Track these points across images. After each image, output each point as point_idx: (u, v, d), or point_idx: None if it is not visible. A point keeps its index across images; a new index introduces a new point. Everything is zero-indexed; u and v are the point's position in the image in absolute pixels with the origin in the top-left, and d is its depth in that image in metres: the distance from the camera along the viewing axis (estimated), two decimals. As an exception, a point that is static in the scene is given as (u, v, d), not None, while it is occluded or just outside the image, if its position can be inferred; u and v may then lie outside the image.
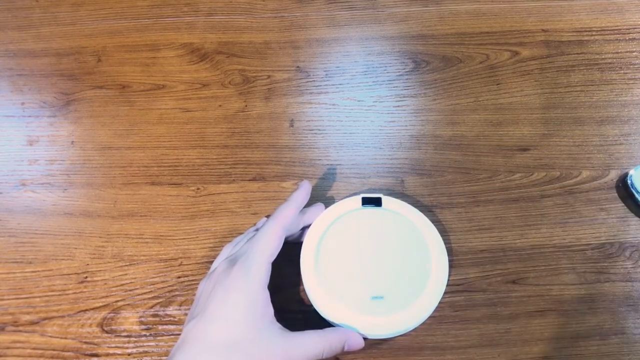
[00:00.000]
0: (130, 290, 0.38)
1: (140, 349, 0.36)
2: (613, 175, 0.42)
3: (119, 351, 0.36)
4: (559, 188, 0.42)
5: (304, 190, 0.36)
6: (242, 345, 0.28)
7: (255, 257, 0.31)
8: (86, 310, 0.38)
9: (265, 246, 0.31)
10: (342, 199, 0.39)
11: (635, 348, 0.36)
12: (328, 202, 0.40)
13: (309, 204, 0.38)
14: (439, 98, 0.46)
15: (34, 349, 0.36)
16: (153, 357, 0.36)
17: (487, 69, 0.48)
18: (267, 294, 0.31)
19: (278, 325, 0.30)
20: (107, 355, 0.36)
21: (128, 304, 0.38)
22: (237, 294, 0.29)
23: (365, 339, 0.33)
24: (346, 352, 0.32)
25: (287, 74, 0.48)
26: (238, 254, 0.32)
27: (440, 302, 0.33)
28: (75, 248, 0.40)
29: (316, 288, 0.34)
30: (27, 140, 0.45)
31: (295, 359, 0.29)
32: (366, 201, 0.38)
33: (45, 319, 0.37)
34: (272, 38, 0.50)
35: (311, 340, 0.30)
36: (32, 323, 0.37)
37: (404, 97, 0.47)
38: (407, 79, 0.48)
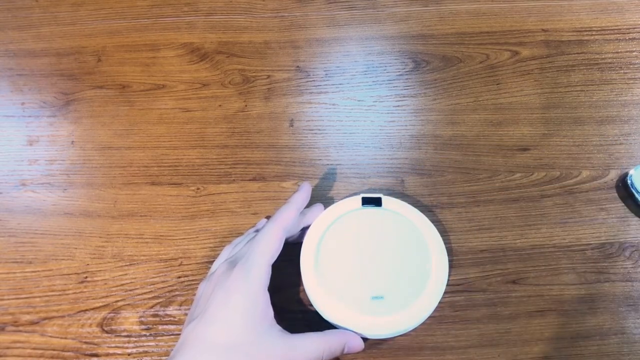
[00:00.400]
0: (130, 290, 0.38)
1: (140, 349, 0.36)
2: (613, 175, 0.42)
3: (119, 351, 0.36)
4: (559, 188, 0.42)
5: (304, 192, 0.36)
6: (242, 347, 0.28)
7: (256, 259, 0.31)
8: (86, 310, 0.38)
9: (265, 248, 0.31)
10: (342, 199, 0.38)
11: (635, 348, 0.36)
12: (328, 202, 0.40)
13: (308, 204, 0.38)
14: (439, 98, 0.46)
15: (34, 349, 0.36)
16: (153, 357, 0.36)
17: (487, 69, 0.48)
18: (267, 295, 0.31)
19: (278, 327, 0.30)
20: (107, 355, 0.36)
21: (128, 304, 0.38)
22: (237, 296, 0.29)
23: (365, 339, 0.33)
24: (346, 354, 0.32)
25: (287, 74, 0.48)
26: (238, 256, 0.32)
27: (440, 302, 0.33)
28: (75, 248, 0.40)
29: (316, 288, 0.34)
30: (27, 140, 0.45)
31: None
32: (366, 201, 0.38)
33: (45, 319, 0.37)
34: (272, 38, 0.50)
35: (311, 343, 0.30)
36: (32, 323, 0.37)
37: (404, 97, 0.47)
38: (407, 78, 0.48)
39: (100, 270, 0.39)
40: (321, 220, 0.37)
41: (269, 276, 0.31)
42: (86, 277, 0.39)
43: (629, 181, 0.40)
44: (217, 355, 0.27)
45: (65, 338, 0.37)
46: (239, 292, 0.29)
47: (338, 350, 0.31)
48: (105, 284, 0.39)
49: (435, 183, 0.42)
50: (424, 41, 0.50)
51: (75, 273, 0.39)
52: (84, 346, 0.36)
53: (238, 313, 0.29)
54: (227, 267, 0.31)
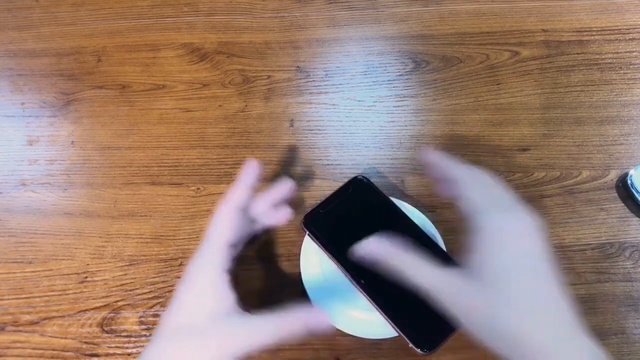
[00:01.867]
0: (130, 290, 0.38)
1: (140, 349, 0.36)
2: (613, 175, 0.42)
3: (119, 351, 0.36)
4: (559, 188, 0.42)
5: (249, 167, 0.34)
6: (201, 329, 0.28)
7: (212, 243, 0.31)
8: (86, 310, 0.38)
9: (219, 230, 0.31)
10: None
11: (635, 348, 0.36)
12: (328, 202, 0.40)
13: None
14: (439, 98, 0.46)
15: (34, 348, 0.36)
16: (153, 357, 0.36)
17: (487, 69, 0.48)
18: (225, 277, 0.30)
19: (239, 309, 0.30)
20: (107, 355, 0.36)
21: (128, 304, 0.38)
22: (197, 282, 0.30)
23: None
24: (315, 333, 0.30)
25: (287, 74, 0.48)
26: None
27: (440, 302, 0.33)
28: (75, 248, 0.40)
29: (316, 287, 0.34)
30: (27, 140, 0.45)
31: (255, 342, 0.29)
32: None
33: (45, 318, 0.37)
34: (272, 38, 0.50)
35: (268, 323, 0.29)
36: (32, 323, 0.37)
37: (404, 97, 0.47)
38: (407, 79, 0.48)
39: (100, 270, 0.39)
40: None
41: (229, 258, 0.31)
42: (86, 277, 0.39)
43: (629, 181, 0.40)
44: (180, 339, 0.28)
45: (65, 338, 0.37)
46: (198, 276, 0.30)
47: (299, 329, 0.29)
48: (105, 284, 0.39)
49: (435, 183, 0.42)
50: (424, 41, 0.50)
51: (75, 273, 0.39)
52: (84, 346, 0.36)
53: (199, 297, 0.29)
54: (193, 256, 0.32)
